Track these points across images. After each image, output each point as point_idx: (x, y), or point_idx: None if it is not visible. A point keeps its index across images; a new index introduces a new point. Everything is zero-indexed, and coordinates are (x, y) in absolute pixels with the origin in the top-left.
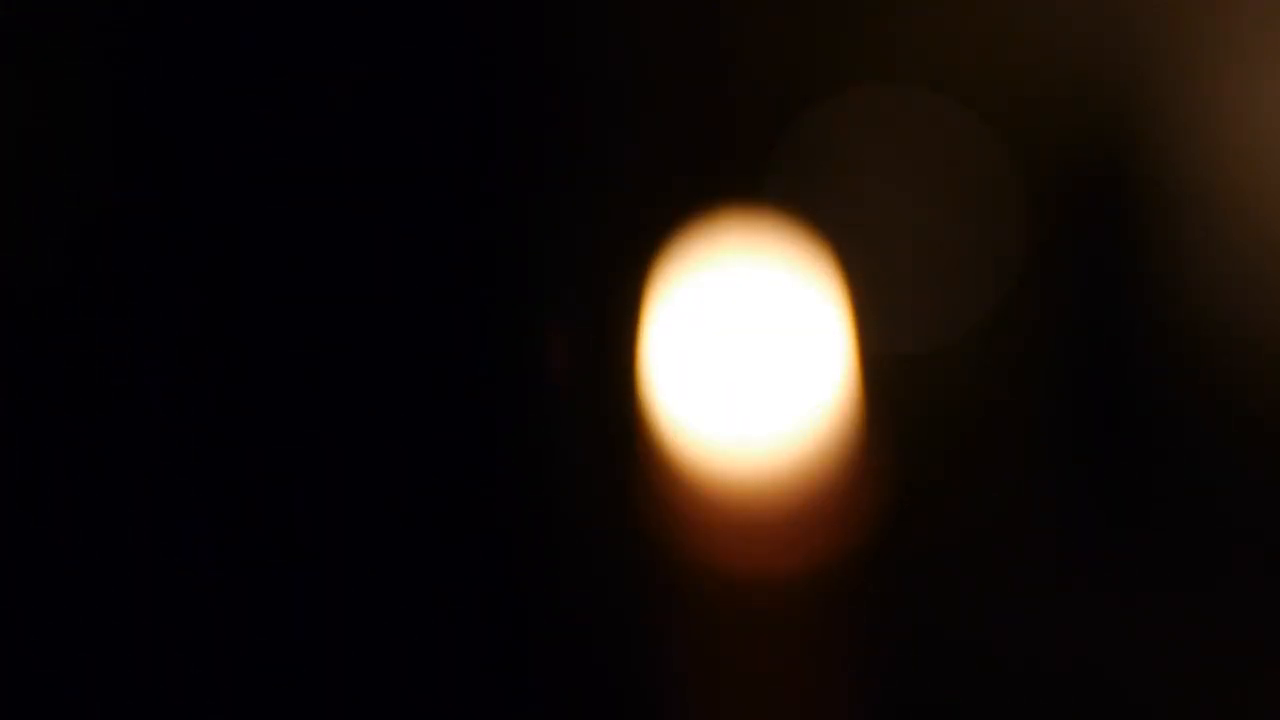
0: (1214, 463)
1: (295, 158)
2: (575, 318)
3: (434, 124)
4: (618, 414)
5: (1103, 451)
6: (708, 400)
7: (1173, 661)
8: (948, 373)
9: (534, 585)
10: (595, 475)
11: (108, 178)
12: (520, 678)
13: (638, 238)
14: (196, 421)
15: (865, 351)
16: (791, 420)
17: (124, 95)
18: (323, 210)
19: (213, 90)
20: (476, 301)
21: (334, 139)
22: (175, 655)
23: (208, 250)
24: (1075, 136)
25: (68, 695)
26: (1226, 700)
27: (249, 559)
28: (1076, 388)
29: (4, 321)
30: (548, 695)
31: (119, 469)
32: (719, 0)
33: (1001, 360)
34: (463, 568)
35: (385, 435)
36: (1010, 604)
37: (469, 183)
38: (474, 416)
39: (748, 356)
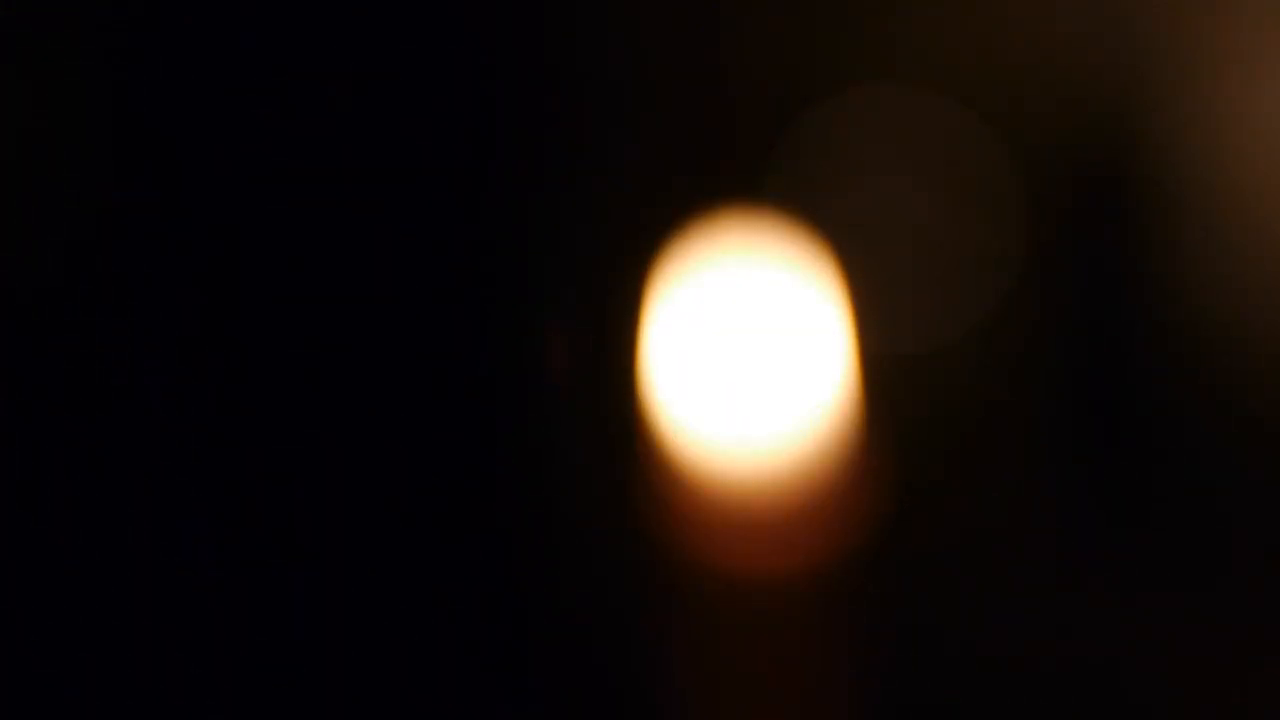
0: (1214, 463)
1: (295, 158)
2: (575, 318)
3: (434, 124)
4: (618, 414)
5: (1103, 451)
6: (708, 400)
7: (1173, 661)
8: (948, 373)
9: (534, 585)
10: (595, 475)
11: (108, 178)
12: (520, 678)
13: (638, 238)
14: (197, 421)
15: (865, 351)
16: (791, 420)
17: (124, 95)
18: (323, 210)
19: (213, 90)
20: (476, 301)
21: (334, 139)
22: (175, 655)
23: (208, 250)
24: (1075, 136)
25: (68, 695)
26: (1226, 700)
27: (249, 558)
28: (1076, 388)
29: (4, 321)
30: (548, 695)
31: (119, 469)
32: (719, 0)
33: (1001, 360)
34: (463, 567)
35: (385, 435)
36: (1010, 604)
37: (469, 183)
38: (474, 416)
39: (748, 356)
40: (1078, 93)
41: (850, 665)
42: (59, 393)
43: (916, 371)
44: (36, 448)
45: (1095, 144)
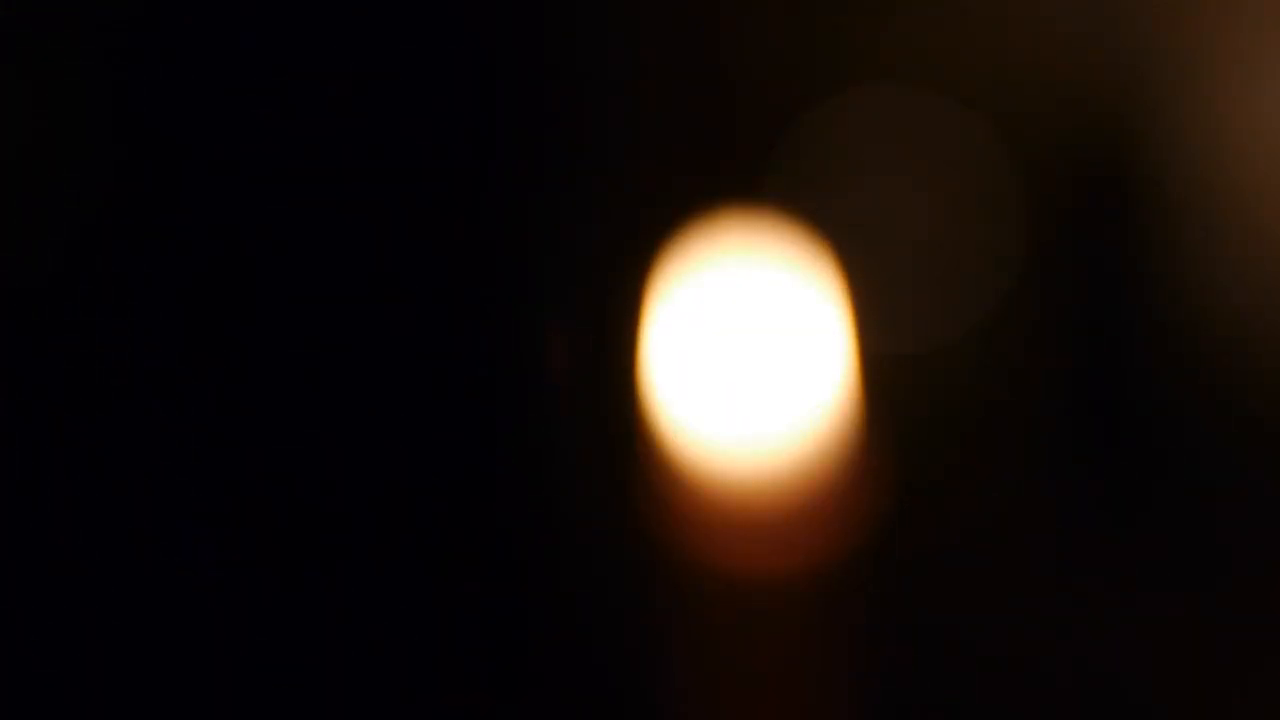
0: (1214, 463)
1: (295, 157)
2: (575, 318)
3: (434, 124)
4: (618, 414)
5: (1103, 451)
6: (708, 400)
7: (1173, 661)
8: (948, 373)
9: (534, 585)
10: (595, 475)
11: (108, 178)
12: (520, 677)
13: (638, 238)
14: (196, 421)
15: (865, 351)
16: (791, 420)
17: (124, 95)
18: (323, 210)
19: (212, 90)
20: (476, 301)
21: (334, 139)
22: (175, 655)
23: (207, 250)
24: (1075, 136)
25: (68, 695)
26: (1226, 700)
27: (249, 558)
28: (1076, 388)
29: (4, 321)
30: (548, 695)
31: (118, 468)
32: (719, 0)
33: (1001, 360)
34: (463, 567)
35: (385, 435)
36: (1010, 604)
37: (469, 183)
38: (474, 416)
39: (748, 356)
40: (1078, 93)
41: (850, 665)
42: (59, 393)
43: (916, 371)
44: (36, 448)
45: (1095, 144)
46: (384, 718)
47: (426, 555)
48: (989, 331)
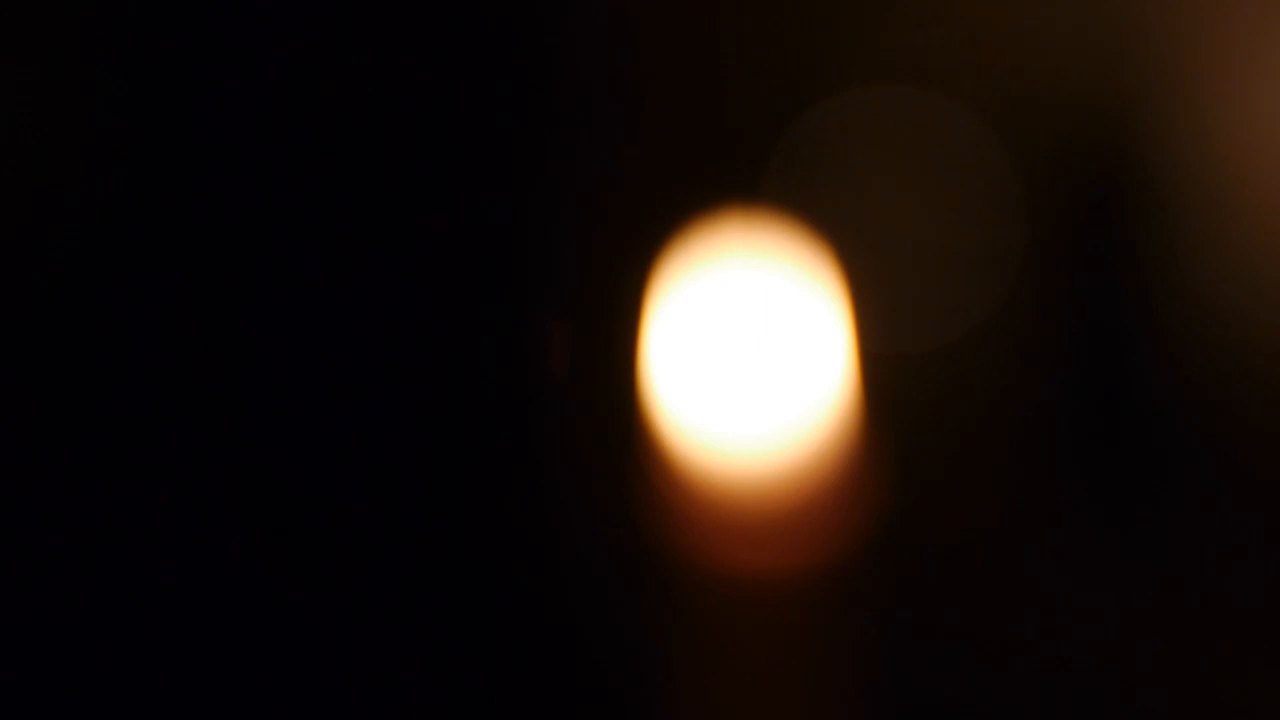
0: (1214, 463)
1: (295, 157)
2: (575, 318)
3: (434, 124)
4: (618, 414)
5: (1103, 451)
6: (708, 400)
7: (1173, 661)
8: (948, 373)
9: (534, 585)
10: (595, 475)
11: (108, 178)
12: (520, 677)
13: (638, 238)
14: (196, 420)
15: (865, 351)
16: (791, 420)
17: (125, 95)
18: (323, 210)
19: (211, 89)
20: (477, 301)
21: (334, 139)
22: (175, 655)
23: (206, 249)
24: (1075, 136)
25: (68, 695)
26: (1227, 700)
27: (247, 558)
28: (1076, 388)
29: (4, 321)
30: (548, 695)
31: (118, 469)
32: (719, 1)
33: (1001, 360)
34: (462, 567)
35: (385, 435)
36: (1010, 603)
37: (469, 183)
38: (474, 416)
39: (748, 356)
40: (1078, 93)
41: (851, 665)
42: (59, 393)
43: (916, 371)
44: (36, 448)
45: (1095, 144)
46: (383, 718)
47: (426, 555)
48: (989, 331)
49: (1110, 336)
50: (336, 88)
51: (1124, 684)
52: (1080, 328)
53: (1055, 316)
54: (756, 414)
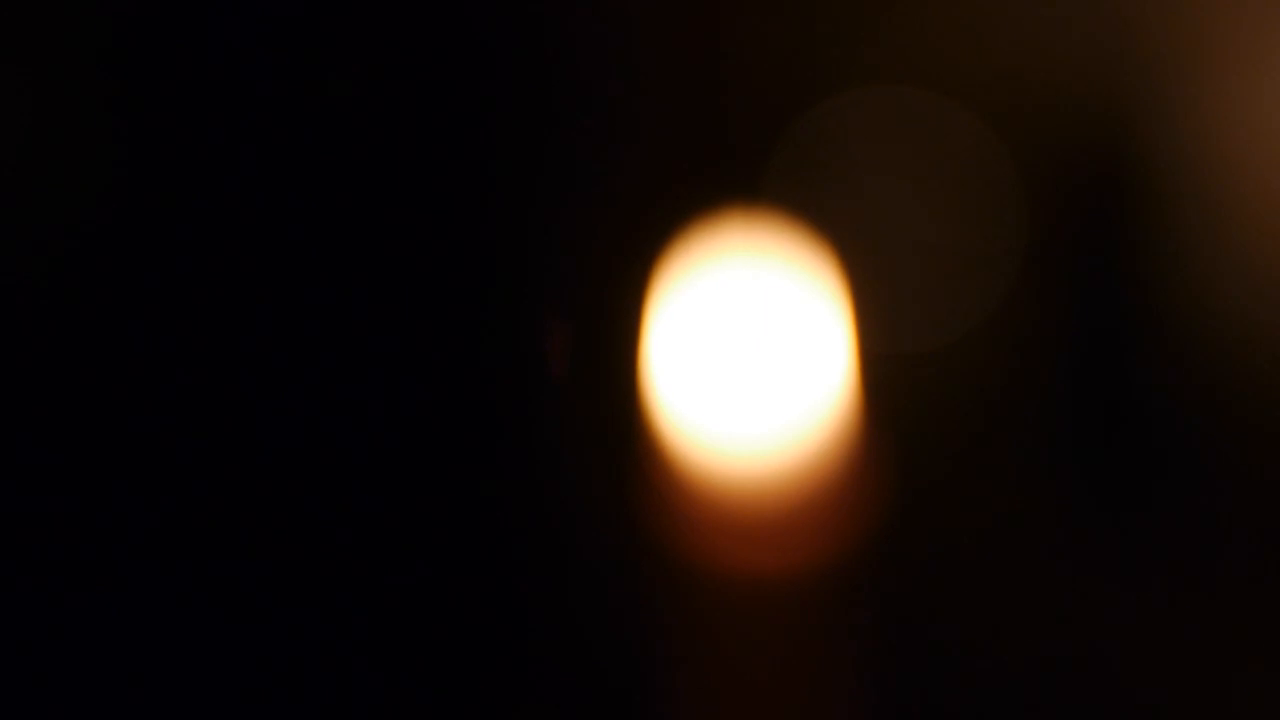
0: (1214, 462)
1: (294, 157)
2: (576, 317)
3: (434, 124)
4: (618, 414)
5: (1103, 451)
6: (708, 400)
7: (1173, 661)
8: (948, 373)
9: (534, 585)
10: (595, 475)
11: (108, 178)
12: (520, 678)
13: (638, 238)
14: (195, 421)
15: (865, 351)
16: (791, 420)
17: (124, 95)
18: (323, 210)
19: (211, 89)
20: (476, 301)
21: (333, 139)
22: (176, 655)
23: (206, 249)
24: (1075, 136)
25: (68, 695)
26: (1227, 700)
27: (247, 558)
28: (1076, 387)
29: (4, 321)
30: (547, 695)
31: (119, 469)
32: (718, 1)
33: (1001, 360)
34: (462, 568)
35: (385, 434)
36: (1010, 603)
37: (469, 183)
38: (474, 416)
39: (748, 357)
40: (1078, 93)
41: (851, 665)
42: (59, 393)
43: (916, 371)
44: (37, 449)
45: (1095, 144)
46: (383, 717)
47: (425, 555)
48: (989, 331)
49: (1110, 336)
50: (336, 87)
51: (1124, 683)
52: (1080, 328)
53: (1055, 316)
54: (757, 414)
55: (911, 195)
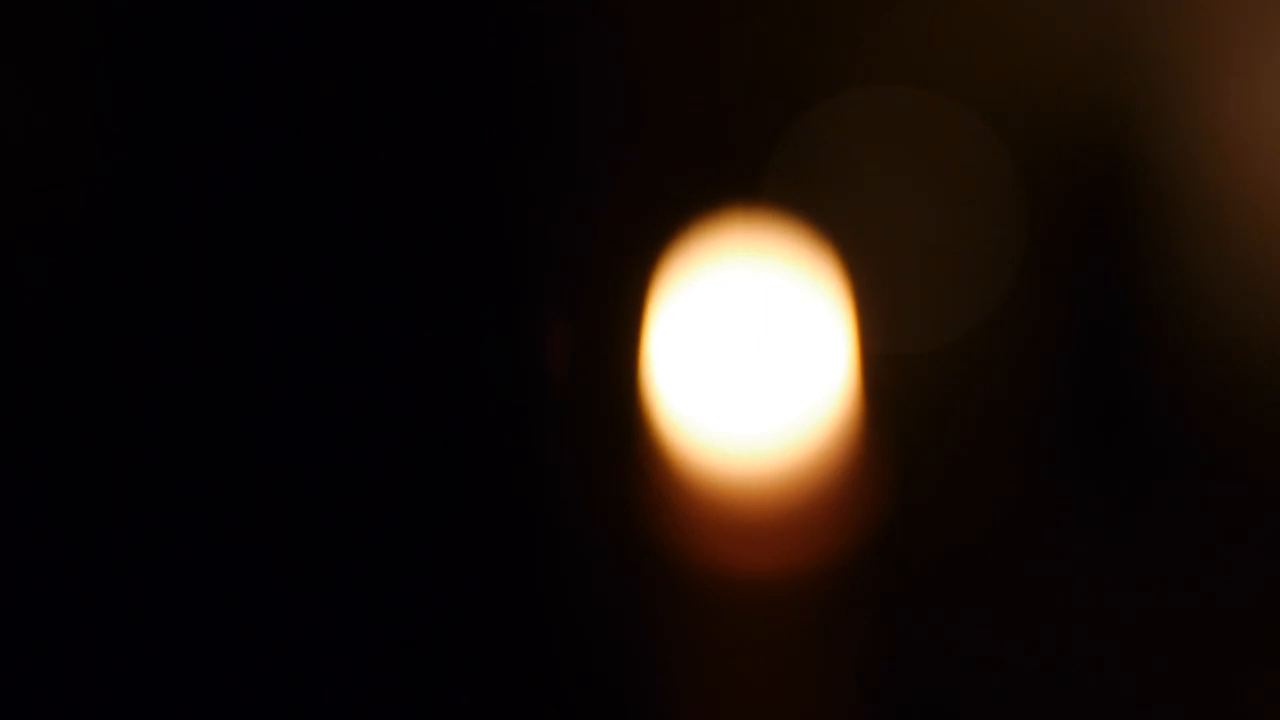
0: (1214, 462)
1: (294, 158)
2: (576, 318)
3: (434, 124)
4: (618, 414)
5: (1103, 451)
6: (708, 400)
7: (1173, 661)
8: (948, 373)
9: (534, 585)
10: (596, 476)
11: (108, 178)
12: (520, 678)
13: (638, 238)
14: (196, 421)
15: (865, 351)
16: (792, 420)
17: (124, 95)
18: (323, 211)
19: (210, 90)
20: (476, 302)
21: (333, 139)
22: (176, 655)
23: (206, 250)
24: (1075, 136)
25: (69, 695)
26: (1227, 700)
27: (247, 559)
28: (1076, 387)
29: (4, 321)
30: (547, 695)
31: (119, 469)
32: (719, 1)
33: (1001, 360)
34: (462, 568)
35: (385, 435)
36: (1010, 603)
37: (469, 183)
38: (474, 417)
39: (748, 357)
40: (1078, 93)
41: (851, 665)
42: (60, 392)
43: (916, 371)
44: (37, 449)
45: (1095, 144)
46: (384, 717)
47: (425, 555)
48: (989, 331)
49: (1110, 336)
50: (337, 87)
51: (1125, 683)
52: (1080, 328)
53: (1055, 316)
54: (757, 414)
55: (911, 195)
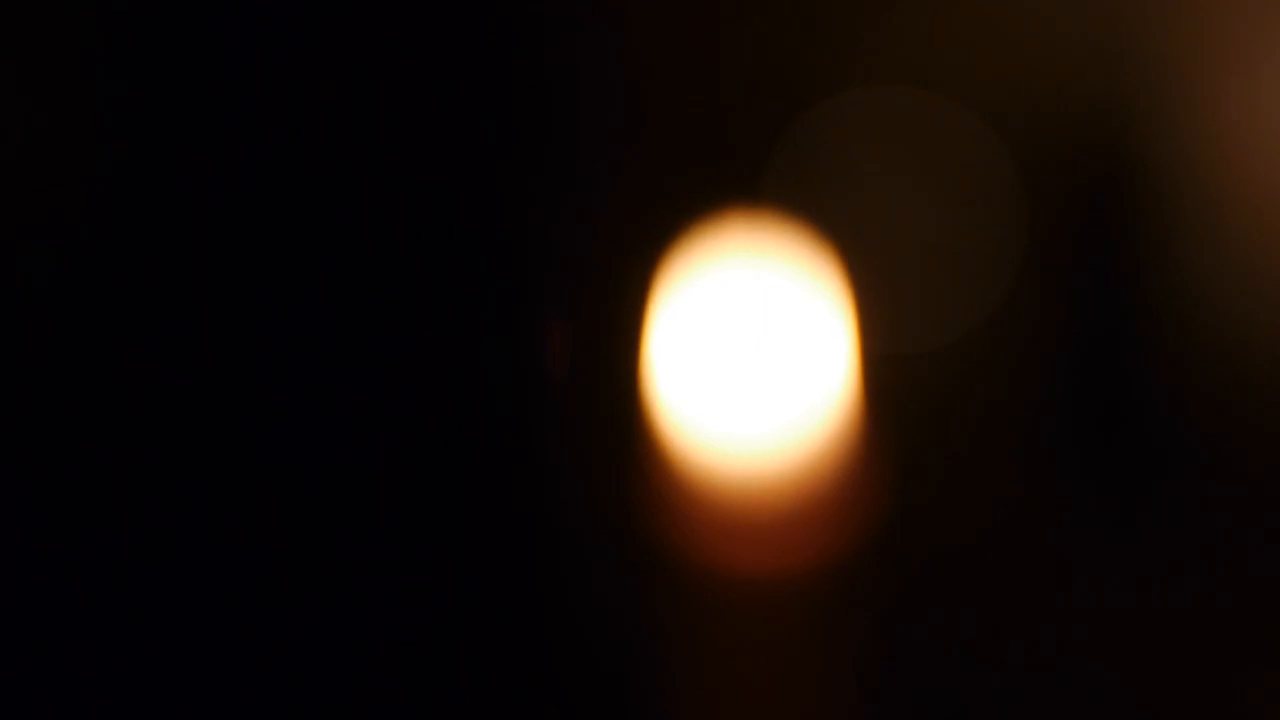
0: (1214, 463)
1: (294, 158)
2: (576, 317)
3: (435, 124)
4: (618, 414)
5: (1103, 451)
6: (709, 400)
7: (1173, 661)
8: (948, 373)
9: (534, 585)
10: (596, 476)
11: (108, 178)
12: (520, 678)
13: (638, 238)
14: (196, 421)
15: (866, 351)
16: (792, 420)
17: (124, 95)
18: (323, 211)
19: (210, 90)
20: (476, 302)
21: (333, 140)
22: (176, 656)
23: (206, 250)
24: (1075, 136)
25: (68, 695)
26: (1227, 700)
27: (246, 559)
28: (1076, 388)
29: (4, 321)
30: (547, 695)
31: (119, 470)
32: (719, 1)
33: (1001, 360)
34: (462, 568)
35: (385, 435)
36: (1010, 603)
37: (470, 184)
38: (474, 417)
39: (749, 357)
40: (1077, 93)
41: (851, 665)
42: (60, 392)
43: (916, 371)
44: (37, 449)
45: (1095, 144)
46: (383, 717)
47: (425, 555)
48: (989, 331)
49: (1110, 336)
50: (336, 87)
51: (1125, 683)
52: (1080, 328)
53: (1055, 316)
54: (758, 414)
55: (911, 195)
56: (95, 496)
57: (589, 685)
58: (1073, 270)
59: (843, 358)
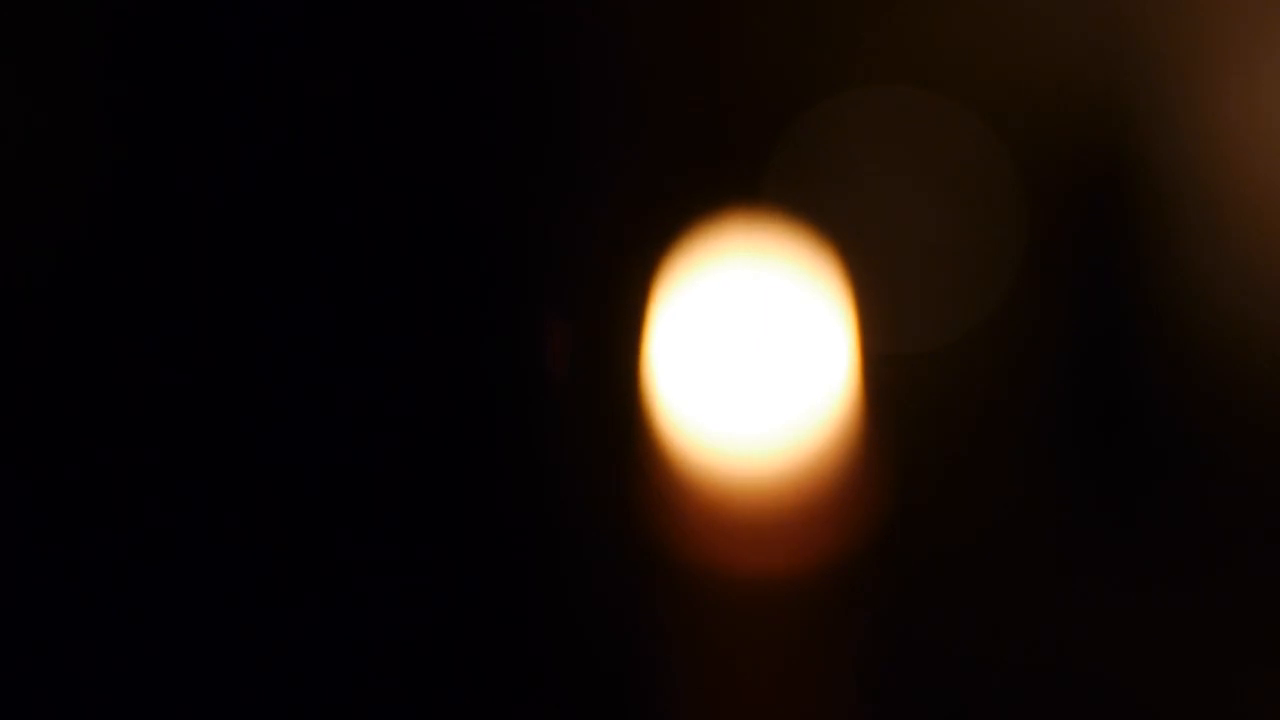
0: (1214, 463)
1: (294, 158)
2: (576, 317)
3: (436, 124)
4: (618, 414)
5: (1102, 451)
6: (709, 400)
7: (1173, 661)
8: (948, 373)
9: (534, 585)
10: (596, 476)
11: (108, 178)
12: (520, 678)
13: (638, 238)
14: (196, 421)
15: (866, 351)
16: (793, 420)
17: (124, 95)
18: (323, 211)
19: (210, 90)
20: (477, 302)
21: (333, 140)
22: (176, 655)
23: (206, 250)
24: (1075, 136)
25: (68, 695)
26: (1227, 700)
27: (246, 559)
28: (1076, 388)
29: (4, 321)
30: (547, 696)
31: (119, 470)
32: (719, 1)
33: (1001, 360)
34: (463, 568)
35: (386, 435)
36: (1010, 603)
37: (470, 184)
38: (474, 417)
39: (749, 357)
40: (1077, 93)
41: (851, 665)
42: (60, 392)
43: (916, 371)
44: (36, 449)
45: (1095, 144)
46: (383, 716)
47: (425, 555)
48: (989, 331)
49: (1110, 336)
50: (336, 88)
51: (1125, 683)
52: (1080, 328)
53: (1055, 316)
54: (758, 414)
55: (911, 195)
56: (95, 496)
57: (589, 685)
58: (1073, 270)
59: (843, 358)
